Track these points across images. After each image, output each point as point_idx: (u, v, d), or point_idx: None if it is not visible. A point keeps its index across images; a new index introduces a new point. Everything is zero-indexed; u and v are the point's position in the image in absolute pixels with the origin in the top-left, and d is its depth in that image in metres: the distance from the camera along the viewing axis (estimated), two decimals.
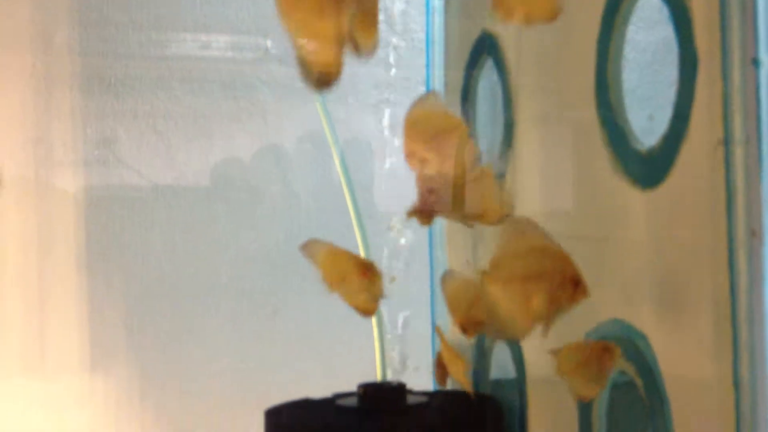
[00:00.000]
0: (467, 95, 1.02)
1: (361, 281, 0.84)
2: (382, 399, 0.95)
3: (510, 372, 0.94)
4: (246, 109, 1.31)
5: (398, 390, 0.95)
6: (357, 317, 0.88)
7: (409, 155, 0.73)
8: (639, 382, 0.70)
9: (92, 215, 1.29)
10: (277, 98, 1.31)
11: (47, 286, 1.31)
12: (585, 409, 0.79)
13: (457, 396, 1.04)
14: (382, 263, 1.21)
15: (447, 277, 0.85)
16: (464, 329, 0.82)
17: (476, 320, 0.80)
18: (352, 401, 0.96)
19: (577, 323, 0.79)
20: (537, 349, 0.89)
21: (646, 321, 0.70)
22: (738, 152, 0.58)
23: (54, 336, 1.32)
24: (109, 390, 1.32)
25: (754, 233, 0.57)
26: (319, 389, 1.03)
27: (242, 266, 1.31)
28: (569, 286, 0.64)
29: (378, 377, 1.03)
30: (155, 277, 1.32)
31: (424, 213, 0.77)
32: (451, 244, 1.08)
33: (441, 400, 0.98)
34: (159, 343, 1.32)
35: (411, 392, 0.98)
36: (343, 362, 1.10)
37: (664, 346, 0.68)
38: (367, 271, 0.83)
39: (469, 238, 1.02)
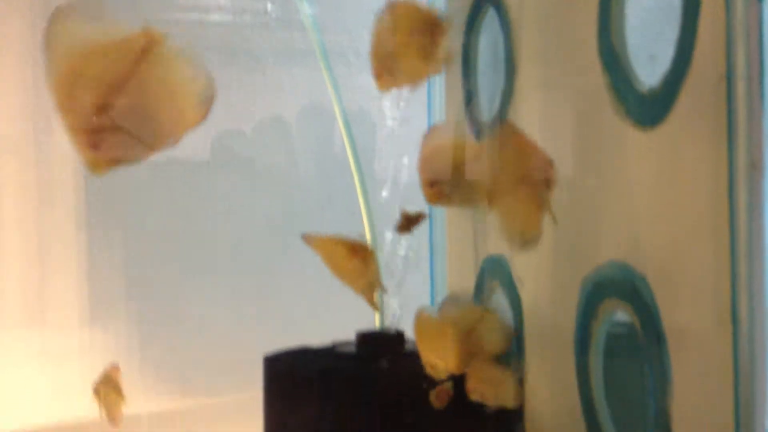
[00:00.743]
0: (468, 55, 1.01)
1: (354, 264, 0.85)
2: (380, 346, 0.95)
3: (508, 320, 0.94)
4: (246, 75, 1.30)
5: (397, 338, 0.96)
6: None
7: None
8: (637, 322, 0.71)
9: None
10: (279, 64, 1.31)
11: (47, 241, 1.31)
12: (582, 352, 0.79)
13: None
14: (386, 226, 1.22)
15: (447, 305, 0.86)
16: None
17: (473, 350, 0.81)
18: (351, 348, 0.97)
19: (576, 266, 0.79)
20: (535, 296, 0.89)
21: (645, 262, 0.70)
22: (740, 87, 0.58)
23: (53, 290, 1.32)
24: (108, 343, 1.33)
25: (754, 166, 0.57)
26: (317, 340, 1.03)
27: (242, 226, 1.31)
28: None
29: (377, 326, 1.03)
30: (154, 233, 1.32)
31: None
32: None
33: None
34: (158, 297, 1.32)
35: (409, 341, 0.98)
36: (341, 315, 1.10)
37: (663, 286, 0.68)
38: (358, 252, 0.85)
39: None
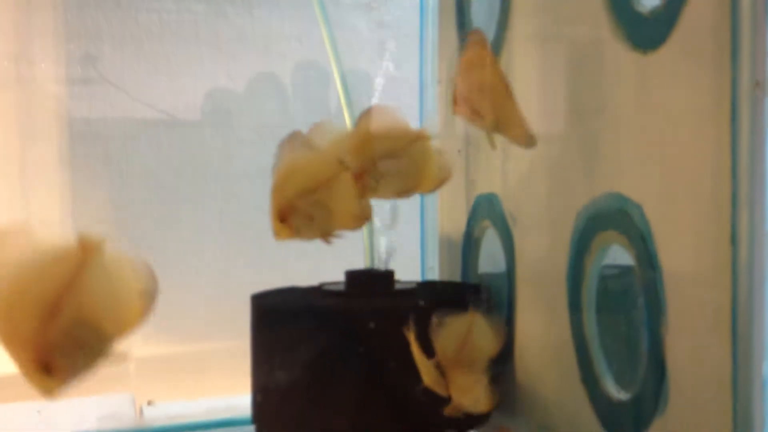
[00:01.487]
0: None
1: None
2: (369, 284, 0.93)
3: (499, 263, 0.93)
4: (238, 29, 1.27)
5: (386, 276, 0.94)
6: None
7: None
8: (632, 252, 0.69)
9: (75, 108, 1.26)
10: (274, 16, 1.28)
11: (29, 180, 1.28)
12: (574, 287, 0.78)
13: (446, 284, 1.03)
14: None
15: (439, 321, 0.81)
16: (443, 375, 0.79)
17: (466, 360, 0.78)
18: (340, 287, 0.95)
19: (572, 198, 0.77)
20: (528, 234, 0.87)
21: (642, 191, 0.68)
22: (745, 2, 0.56)
23: (36, 231, 1.29)
24: None
25: (758, 84, 0.55)
26: (306, 282, 1.02)
27: (231, 179, 1.29)
28: None
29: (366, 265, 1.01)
30: (140, 172, 1.29)
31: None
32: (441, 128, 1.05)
33: (429, 287, 0.97)
34: (143, 238, 1.30)
35: (399, 281, 0.97)
36: (331, 258, 1.08)
37: (660, 214, 0.66)
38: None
39: (461, 129, 0.99)
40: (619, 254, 0.72)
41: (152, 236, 1.29)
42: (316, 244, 1.20)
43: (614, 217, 0.71)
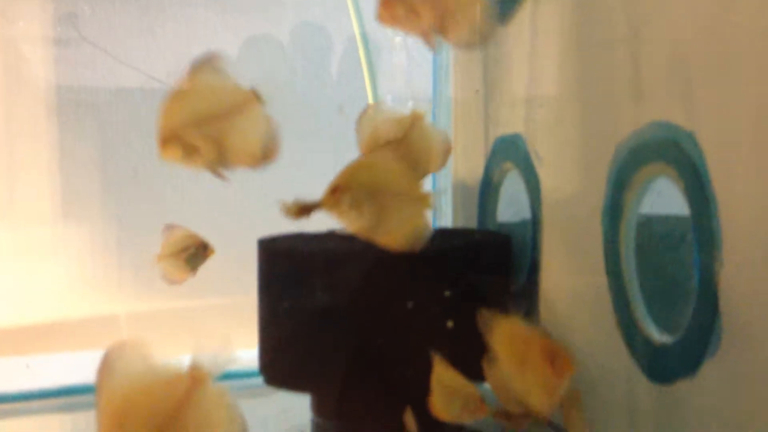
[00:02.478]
0: None
1: None
2: None
3: (523, 208, 0.88)
4: None
5: None
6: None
7: None
8: (680, 184, 0.64)
9: (62, 59, 1.20)
10: None
11: (15, 129, 1.22)
12: (611, 227, 0.73)
13: (463, 231, 0.99)
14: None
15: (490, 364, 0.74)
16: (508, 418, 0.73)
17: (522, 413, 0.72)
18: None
19: (610, 131, 0.72)
20: (557, 174, 0.82)
21: (693, 118, 0.63)
22: None
23: (23, 183, 1.23)
24: (83, 241, 1.25)
25: None
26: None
27: None
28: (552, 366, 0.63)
29: None
30: (130, 122, 1.23)
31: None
32: (458, 69, 1.00)
33: (447, 234, 0.92)
34: (135, 189, 1.24)
35: None
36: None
37: (714, 141, 0.61)
38: None
39: (479, 64, 0.94)
40: (665, 187, 0.67)
41: (144, 195, 1.24)
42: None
43: (661, 147, 0.66)
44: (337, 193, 0.68)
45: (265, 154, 0.70)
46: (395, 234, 0.69)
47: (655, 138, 0.67)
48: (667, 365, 0.66)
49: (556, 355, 0.63)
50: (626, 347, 0.71)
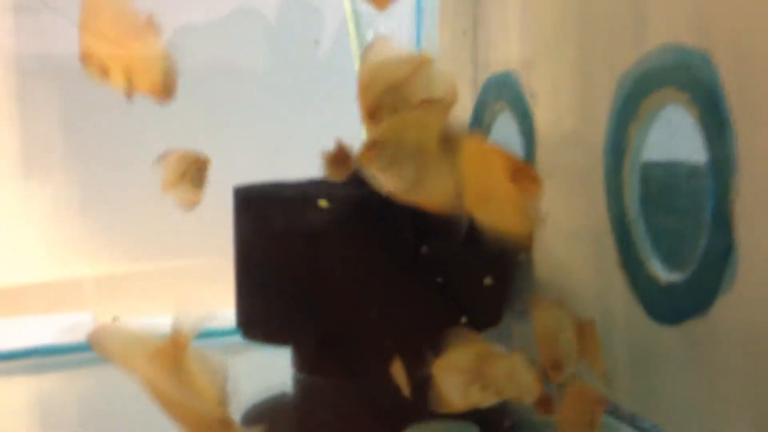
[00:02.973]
0: None
1: None
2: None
3: (515, 150, 0.83)
4: None
5: None
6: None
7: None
8: (693, 111, 0.60)
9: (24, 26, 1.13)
10: None
11: None
12: (615, 163, 0.69)
13: None
14: None
15: (540, 309, 0.68)
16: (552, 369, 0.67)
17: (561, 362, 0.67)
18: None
19: (613, 60, 0.68)
20: (553, 111, 0.78)
21: (708, 39, 0.59)
22: None
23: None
24: (45, 200, 1.19)
25: None
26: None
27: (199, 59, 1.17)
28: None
29: None
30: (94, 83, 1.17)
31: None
32: (444, 10, 0.95)
33: None
34: (100, 145, 1.18)
35: None
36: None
37: (731, 62, 0.57)
38: None
39: (469, 2, 0.89)
40: (675, 115, 0.63)
41: (110, 143, 1.18)
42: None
43: (671, 72, 0.62)
44: (375, 150, 0.63)
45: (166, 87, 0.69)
46: (435, 195, 0.64)
47: (665, 63, 0.63)
48: (676, 305, 0.63)
49: (521, 172, 0.58)
50: (631, 289, 0.67)
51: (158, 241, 1.21)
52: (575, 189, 0.74)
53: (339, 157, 0.80)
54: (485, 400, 0.61)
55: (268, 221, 0.82)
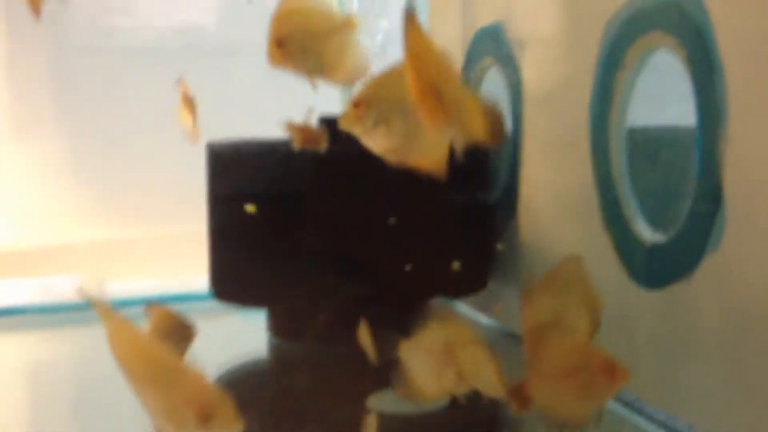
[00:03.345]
0: None
1: None
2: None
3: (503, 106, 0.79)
4: None
5: None
6: None
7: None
8: (682, 53, 0.56)
9: None
10: None
11: None
12: (600, 114, 0.64)
13: None
14: None
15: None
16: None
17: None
18: None
19: (600, 10, 0.63)
20: (540, 65, 0.73)
21: None
22: None
23: None
24: (36, 163, 1.16)
25: None
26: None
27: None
28: (605, 375, 0.52)
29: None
30: (87, 33, 1.14)
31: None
32: None
33: None
34: (92, 104, 1.15)
35: None
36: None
37: (722, 2, 0.52)
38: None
39: None
40: (662, 61, 0.58)
41: (101, 108, 1.15)
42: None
43: (660, 14, 0.57)
44: (361, 108, 0.59)
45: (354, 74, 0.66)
46: (428, 155, 0.59)
47: (653, 4, 0.58)
48: (661, 267, 0.58)
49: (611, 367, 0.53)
50: (615, 251, 0.63)
51: (148, 207, 1.18)
52: (561, 145, 0.70)
53: (308, 136, 0.75)
54: (459, 388, 0.55)
55: (242, 178, 0.78)
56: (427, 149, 0.59)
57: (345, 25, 0.63)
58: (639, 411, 0.63)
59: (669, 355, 0.58)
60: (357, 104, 0.60)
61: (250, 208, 0.76)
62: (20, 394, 0.78)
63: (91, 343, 0.85)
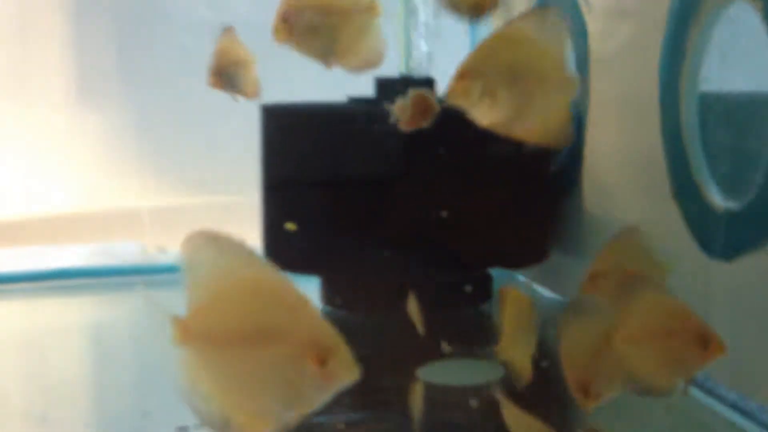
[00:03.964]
0: None
1: None
2: (403, 92, 0.76)
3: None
4: None
5: (424, 83, 0.77)
6: None
7: None
8: (759, 4, 0.51)
9: None
10: None
11: (29, 11, 1.13)
12: (670, 77, 0.60)
13: None
14: None
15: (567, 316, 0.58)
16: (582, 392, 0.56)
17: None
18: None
19: None
20: (610, 24, 0.69)
21: None
22: None
23: (36, 66, 1.15)
24: (97, 129, 1.16)
25: None
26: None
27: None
28: (699, 344, 0.49)
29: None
30: (148, 18, 1.14)
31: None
32: None
33: None
34: (155, 75, 1.15)
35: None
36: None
37: None
38: None
39: None
40: (739, 16, 0.54)
41: (163, 76, 1.14)
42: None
43: None
44: (466, 81, 0.56)
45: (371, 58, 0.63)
46: (537, 127, 0.56)
47: None
48: (734, 236, 0.54)
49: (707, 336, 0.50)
50: (683, 219, 0.59)
51: (212, 175, 1.18)
52: (629, 107, 0.66)
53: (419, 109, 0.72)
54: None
55: (297, 141, 0.76)
56: (536, 122, 0.55)
57: (367, 9, 0.59)
58: (709, 391, 0.59)
59: (741, 331, 0.54)
60: (462, 76, 0.56)
61: (290, 225, 0.75)
62: (81, 355, 0.79)
63: (149, 307, 0.85)
